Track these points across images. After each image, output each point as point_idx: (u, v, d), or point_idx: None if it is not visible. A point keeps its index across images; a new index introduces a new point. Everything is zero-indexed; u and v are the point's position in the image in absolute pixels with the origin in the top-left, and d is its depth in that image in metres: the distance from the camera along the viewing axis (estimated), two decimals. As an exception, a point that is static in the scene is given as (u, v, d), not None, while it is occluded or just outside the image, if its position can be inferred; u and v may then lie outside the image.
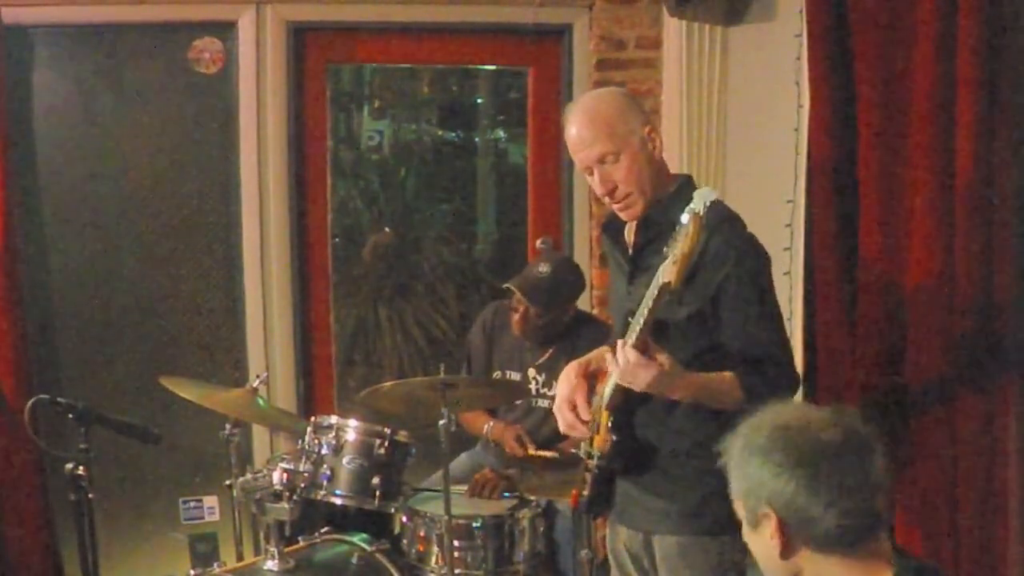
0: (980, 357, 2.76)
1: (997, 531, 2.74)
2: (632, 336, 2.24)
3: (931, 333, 2.85)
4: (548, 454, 3.42)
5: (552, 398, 2.88)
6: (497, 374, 3.74)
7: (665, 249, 2.12)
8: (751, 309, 2.36)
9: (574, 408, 2.48)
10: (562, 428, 2.53)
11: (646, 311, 2.19)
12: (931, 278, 2.83)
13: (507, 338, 3.74)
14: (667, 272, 2.09)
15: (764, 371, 2.33)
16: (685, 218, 2.07)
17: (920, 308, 2.88)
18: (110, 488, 3.79)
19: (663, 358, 2.25)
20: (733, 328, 2.36)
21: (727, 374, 2.33)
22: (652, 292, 2.17)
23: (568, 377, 2.53)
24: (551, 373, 3.48)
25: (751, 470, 1.65)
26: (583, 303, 4.03)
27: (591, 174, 2.47)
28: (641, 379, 2.26)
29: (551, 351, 3.61)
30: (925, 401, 2.89)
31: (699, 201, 2.08)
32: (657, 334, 2.31)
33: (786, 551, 1.64)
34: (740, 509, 1.71)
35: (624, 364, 2.25)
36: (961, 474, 2.79)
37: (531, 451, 3.48)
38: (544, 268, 3.57)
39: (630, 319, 2.30)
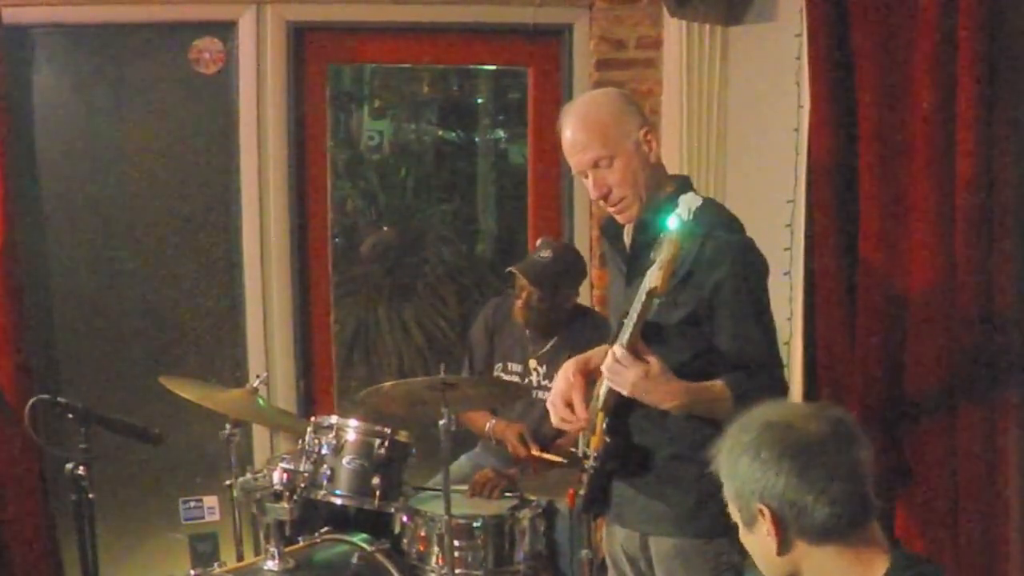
0: (981, 356, 2.75)
1: (998, 536, 2.74)
2: (624, 337, 2.25)
3: (931, 332, 2.85)
4: (552, 457, 3.41)
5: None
6: (499, 367, 3.75)
7: (652, 255, 2.14)
8: (743, 313, 2.35)
9: (569, 405, 2.48)
10: (555, 422, 2.54)
11: (635, 316, 2.20)
12: (931, 277, 2.83)
13: (509, 331, 3.75)
14: (654, 278, 2.12)
15: (754, 377, 2.32)
16: (671, 224, 2.09)
17: (920, 307, 2.88)
18: (110, 488, 3.77)
19: (652, 360, 2.24)
20: (725, 331, 2.36)
21: (717, 383, 2.32)
22: (640, 296, 2.18)
23: (566, 374, 2.53)
24: (553, 365, 3.49)
25: (741, 469, 1.68)
26: (583, 302, 4.03)
27: (586, 177, 2.47)
28: (625, 379, 2.26)
29: (552, 342, 3.62)
30: (926, 401, 2.89)
31: (684, 207, 2.10)
32: (653, 336, 2.31)
33: (782, 546, 1.66)
34: (734, 510, 1.74)
35: (611, 363, 2.26)
36: (962, 477, 2.79)
37: (534, 451, 3.48)
38: (546, 253, 3.59)
39: (624, 320, 2.31)
